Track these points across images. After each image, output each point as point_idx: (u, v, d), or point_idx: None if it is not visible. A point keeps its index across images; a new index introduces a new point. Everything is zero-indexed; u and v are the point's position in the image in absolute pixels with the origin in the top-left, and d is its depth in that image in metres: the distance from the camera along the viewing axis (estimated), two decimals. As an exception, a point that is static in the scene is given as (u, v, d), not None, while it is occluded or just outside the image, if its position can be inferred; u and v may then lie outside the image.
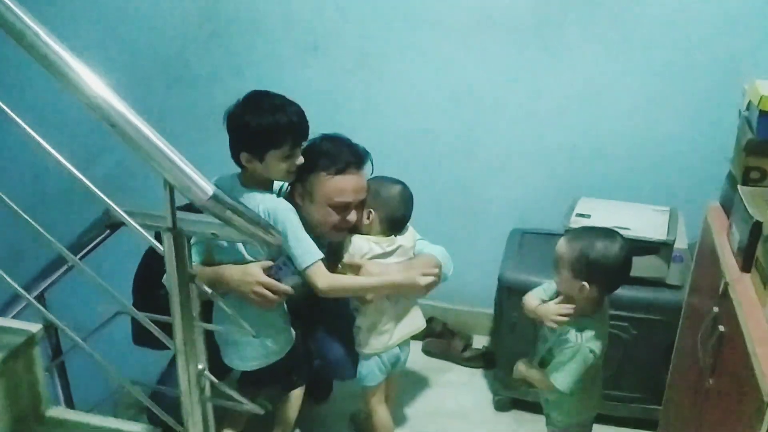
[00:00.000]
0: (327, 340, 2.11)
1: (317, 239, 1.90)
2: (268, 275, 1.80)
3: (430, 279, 1.96)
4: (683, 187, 2.34)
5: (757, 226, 1.42)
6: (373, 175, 1.97)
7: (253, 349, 1.90)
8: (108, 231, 1.61)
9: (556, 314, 1.72)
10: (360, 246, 1.93)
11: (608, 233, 1.70)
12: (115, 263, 1.78)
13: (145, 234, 1.28)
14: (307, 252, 1.84)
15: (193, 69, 2.65)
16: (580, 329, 1.70)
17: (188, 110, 2.67)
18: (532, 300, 1.81)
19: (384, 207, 1.95)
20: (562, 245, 1.71)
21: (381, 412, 2.06)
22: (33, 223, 1.34)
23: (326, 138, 1.93)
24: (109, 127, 1.13)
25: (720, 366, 1.46)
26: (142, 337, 1.98)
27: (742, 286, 1.42)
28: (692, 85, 2.26)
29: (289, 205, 1.86)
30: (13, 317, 1.61)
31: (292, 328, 1.96)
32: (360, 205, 1.94)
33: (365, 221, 1.95)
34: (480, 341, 2.69)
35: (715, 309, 1.53)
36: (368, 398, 2.05)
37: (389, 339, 1.98)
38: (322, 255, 1.86)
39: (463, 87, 2.43)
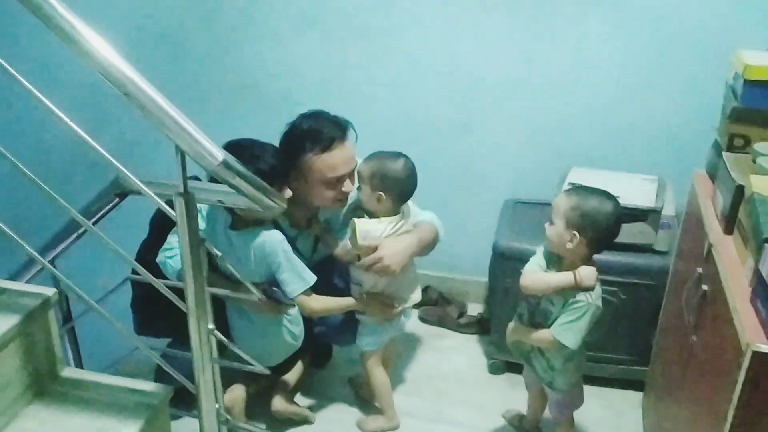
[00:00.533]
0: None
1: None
2: (267, 296, 1.90)
3: (399, 309, 2.06)
4: (671, 156, 2.41)
5: (739, 190, 1.49)
6: (372, 153, 1.99)
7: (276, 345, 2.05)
8: (117, 199, 1.66)
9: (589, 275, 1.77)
10: (374, 230, 1.96)
11: (604, 193, 1.78)
12: (122, 233, 1.83)
13: (157, 199, 1.34)
14: (296, 281, 1.91)
15: (192, 43, 2.68)
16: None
17: (188, 84, 2.70)
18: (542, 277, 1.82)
19: (394, 187, 1.95)
20: (560, 198, 1.78)
21: (379, 375, 2.14)
22: (47, 188, 1.40)
23: (305, 117, 1.95)
24: (123, 95, 1.18)
25: (703, 323, 1.54)
26: (144, 326, 2.05)
27: (724, 248, 1.50)
28: (680, 58, 2.31)
29: (281, 237, 1.92)
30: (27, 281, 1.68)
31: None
32: (352, 173, 1.98)
33: (376, 205, 1.96)
34: (474, 309, 2.77)
35: (699, 270, 1.61)
36: (366, 362, 2.13)
37: (419, 289, 2.11)
38: (311, 283, 1.93)
39: (458, 60, 2.48)
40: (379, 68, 2.56)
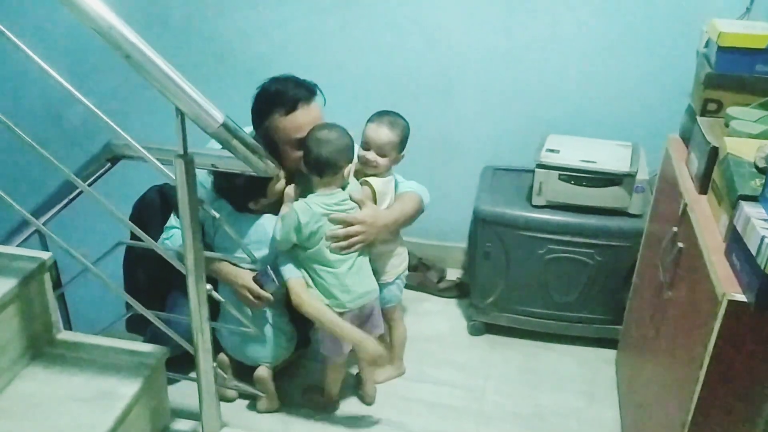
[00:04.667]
0: None
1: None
2: (255, 281, 1.97)
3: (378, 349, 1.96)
4: (644, 123, 2.48)
5: (714, 152, 1.56)
6: (373, 116, 2.05)
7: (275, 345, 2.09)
8: (108, 164, 1.68)
9: None
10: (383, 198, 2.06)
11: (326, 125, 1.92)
12: (112, 201, 1.85)
13: (157, 162, 1.37)
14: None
15: (169, 11, 2.66)
16: None
17: (164, 53, 2.66)
18: None
19: (406, 143, 2.07)
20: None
21: (403, 325, 2.27)
22: (42, 151, 1.41)
23: (273, 80, 1.98)
24: (123, 58, 1.20)
25: (678, 278, 1.62)
26: (133, 322, 2.06)
27: (699, 206, 1.57)
28: (652, 28, 2.37)
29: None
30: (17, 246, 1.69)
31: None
32: None
33: (383, 163, 2.02)
34: (453, 273, 2.83)
35: (674, 229, 1.68)
36: (393, 316, 2.22)
37: (403, 261, 2.16)
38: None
39: (438, 28, 2.51)
40: (360, 35, 2.58)
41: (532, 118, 2.58)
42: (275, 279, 1.98)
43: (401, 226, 2.11)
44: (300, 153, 1.94)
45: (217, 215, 1.54)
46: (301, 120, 1.93)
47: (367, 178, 2.03)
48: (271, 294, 1.99)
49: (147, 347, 1.63)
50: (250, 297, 1.99)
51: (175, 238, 2.02)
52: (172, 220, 2.06)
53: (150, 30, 2.65)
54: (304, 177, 1.97)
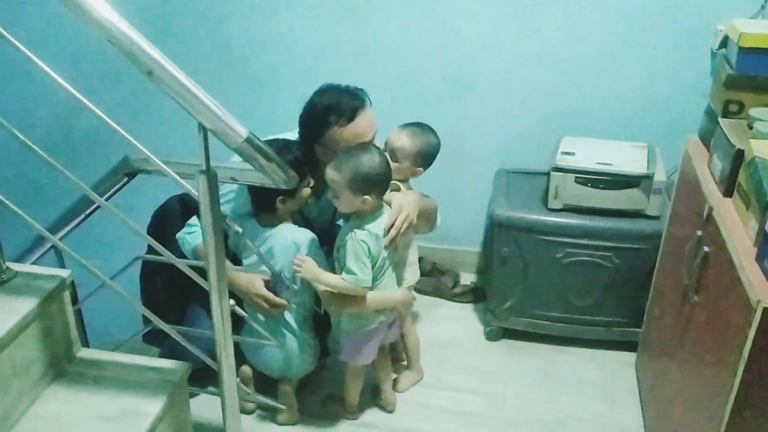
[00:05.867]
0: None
1: None
2: (269, 288, 1.97)
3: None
4: (657, 123, 2.46)
5: (739, 154, 1.54)
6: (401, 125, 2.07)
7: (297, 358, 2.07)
8: (126, 179, 1.66)
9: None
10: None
11: (364, 147, 1.88)
12: (128, 211, 1.83)
13: (178, 178, 1.35)
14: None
15: (177, 19, 2.64)
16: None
17: (174, 61, 2.66)
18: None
19: (430, 158, 2.08)
20: (331, 173, 1.84)
21: (415, 331, 2.27)
22: (58, 166, 1.39)
23: (321, 93, 1.99)
24: (146, 74, 1.18)
25: (705, 283, 1.61)
26: (151, 334, 2.04)
27: (725, 210, 1.56)
28: (664, 27, 2.35)
29: (312, 235, 2.00)
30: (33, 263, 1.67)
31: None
32: (374, 136, 2.02)
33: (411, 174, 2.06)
34: (467, 278, 2.82)
35: (699, 233, 1.67)
36: (405, 324, 2.19)
37: (415, 273, 2.14)
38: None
39: (448, 31, 2.49)
40: (370, 41, 2.56)
41: (544, 119, 2.57)
42: (290, 285, 1.96)
43: (423, 212, 2.08)
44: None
45: (240, 230, 1.52)
46: (362, 126, 1.95)
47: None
48: (287, 300, 1.98)
49: (170, 363, 1.61)
50: (265, 305, 1.97)
51: (195, 234, 2.01)
52: (195, 219, 2.04)
53: (157, 37, 2.64)
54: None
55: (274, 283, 1.98)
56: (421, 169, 2.07)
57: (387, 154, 1.96)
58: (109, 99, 2.61)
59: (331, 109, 1.94)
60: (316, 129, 1.96)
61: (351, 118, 1.93)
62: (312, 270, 1.90)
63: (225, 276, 1.41)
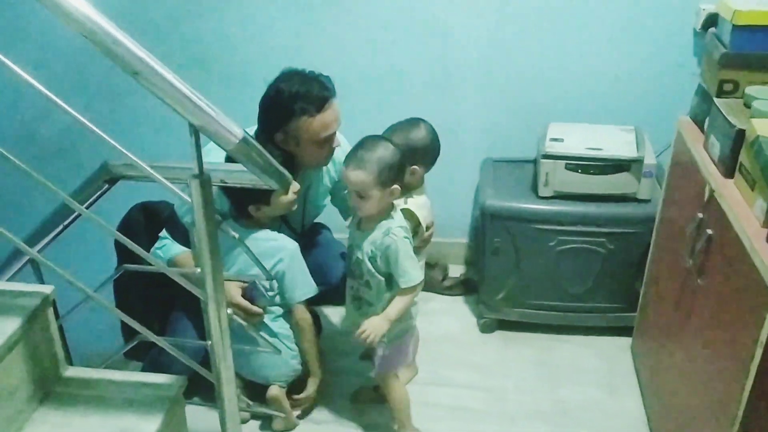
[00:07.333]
0: (324, 265, 2.11)
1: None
2: (244, 296, 1.91)
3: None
4: (642, 105, 2.44)
5: (740, 134, 1.52)
6: (388, 129, 2.00)
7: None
8: (106, 186, 1.57)
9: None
10: (423, 204, 2.04)
11: (376, 138, 1.81)
12: (108, 221, 1.75)
13: (169, 185, 1.27)
14: (303, 287, 1.93)
15: (150, 14, 2.53)
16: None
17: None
18: None
19: (425, 155, 2.00)
20: (355, 174, 1.74)
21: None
22: (36, 175, 1.30)
23: (287, 80, 1.89)
24: (131, 75, 1.10)
25: (710, 266, 1.58)
26: (131, 348, 1.96)
27: (727, 191, 1.53)
28: (645, 8, 2.33)
29: (295, 245, 1.92)
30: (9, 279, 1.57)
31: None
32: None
33: (411, 180, 1.97)
34: (456, 270, 2.77)
35: (700, 215, 1.64)
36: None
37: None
38: (312, 294, 1.96)
39: (429, 19, 2.43)
40: (349, 32, 2.49)
41: (528, 106, 2.53)
42: (265, 293, 1.91)
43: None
44: (324, 150, 1.92)
45: (237, 235, 1.45)
46: (329, 118, 1.88)
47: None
48: (262, 308, 1.93)
49: (164, 378, 1.53)
50: (242, 315, 1.90)
51: (167, 248, 1.95)
52: (164, 232, 1.99)
53: (132, 31, 2.55)
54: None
55: (249, 290, 1.92)
56: (417, 167, 1.99)
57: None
58: (79, 101, 2.54)
59: (299, 97, 1.84)
60: (280, 117, 1.87)
61: (320, 108, 1.85)
62: (380, 327, 1.77)
63: (222, 285, 1.34)
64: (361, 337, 1.76)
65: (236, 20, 2.51)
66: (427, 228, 2.07)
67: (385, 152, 1.74)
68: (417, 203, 2.02)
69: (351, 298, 1.91)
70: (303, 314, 1.97)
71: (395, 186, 1.75)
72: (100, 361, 1.72)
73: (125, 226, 2.10)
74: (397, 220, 1.81)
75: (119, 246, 2.04)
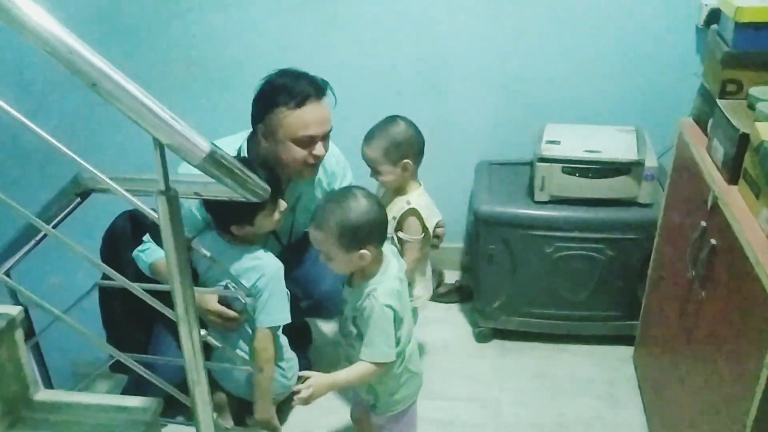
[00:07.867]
0: (312, 278, 2.03)
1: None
2: (221, 302, 1.84)
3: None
4: (642, 105, 2.37)
5: (744, 138, 1.43)
6: (367, 134, 1.95)
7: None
8: (78, 200, 1.49)
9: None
10: (426, 203, 1.99)
11: (345, 193, 1.61)
12: (83, 236, 1.67)
13: (135, 201, 1.20)
14: (274, 313, 1.81)
15: (130, 18, 2.46)
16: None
17: (125, 63, 2.47)
18: None
19: (410, 147, 1.94)
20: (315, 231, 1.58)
21: None
22: (1, 196, 1.23)
23: (282, 72, 1.85)
24: (89, 86, 1.03)
25: (714, 278, 1.50)
26: (118, 361, 1.89)
27: (731, 198, 1.45)
28: (646, 5, 2.25)
29: (279, 264, 1.82)
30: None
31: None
32: (325, 138, 1.87)
33: (404, 175, 1.94)
34: (451, 277, 2.70)
35: (703, 223, 1.56)
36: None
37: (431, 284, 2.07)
38: (283, 323, 1.85)
39: (422, 20, 2.35)
40: (339, 32, 2.41)
41: (524, 107, 2.46)
42: (243, 307, 1.83)
43: None
44: (305, 154, 1.83)
45: (208, 254, 1.37)
46: (308, 117, 1.80)
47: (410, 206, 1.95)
48: (238, 312, 1.85)
49: (139, 401, 1.45)
50: (217, 320, 1.84)
51: (150, 252, 1.90)
52: (148, 236, 1.92)
53: (107, 38, 2.47)
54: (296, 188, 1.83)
55: (227, 298, 1.84)
56: (407, 161, 1.93)
57: (376, 197, 1.70)
58: (61, 108, 2.47)
59: (282, 89, 1.80)
60: (263, 106, 1.82)
61: (300, 103, 1.78)
62: (322, 388, 1.56)
63: (194, 306, 1.26)
64: (300, 395, 1.55)
65: (222, 20, 2.45)
66: (438, 225, 2.03)
67: (353, 208, 1.54)
68: (420, 203, 1.96)
69: (342, 356, 1.72)
70: (266, 343, 1.81)
71: (363, 251, 1.54)
72: (89, 370, 1.65)
73: (111, 235, 2.04)
74: (388, 282, 1.58)
75: (105, 254, 2.00)
